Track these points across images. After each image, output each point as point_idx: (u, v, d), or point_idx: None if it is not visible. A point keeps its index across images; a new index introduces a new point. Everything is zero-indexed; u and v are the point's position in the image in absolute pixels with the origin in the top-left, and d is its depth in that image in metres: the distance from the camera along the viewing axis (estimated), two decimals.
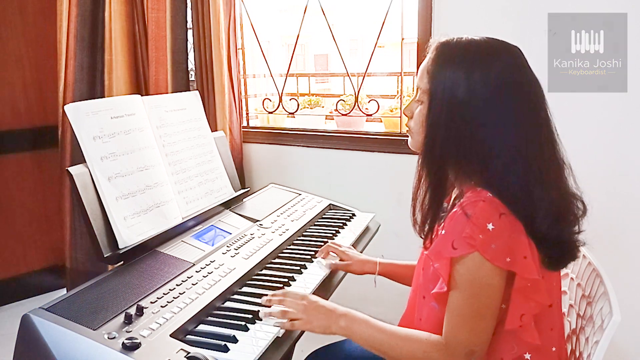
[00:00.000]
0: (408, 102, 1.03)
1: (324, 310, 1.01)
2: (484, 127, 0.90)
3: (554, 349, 0.97)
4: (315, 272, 1.28)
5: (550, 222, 0.89)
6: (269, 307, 1.05)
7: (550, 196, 0.90)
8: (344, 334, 0.99)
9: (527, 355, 0.93)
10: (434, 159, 0.96)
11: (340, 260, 1.35)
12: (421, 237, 1.03)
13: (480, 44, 0.94)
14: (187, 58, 2.49)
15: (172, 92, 2.41)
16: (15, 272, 2.73)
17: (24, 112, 2.65)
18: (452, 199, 1.00)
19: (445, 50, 0.95)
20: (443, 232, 0.93)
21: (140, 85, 2.56)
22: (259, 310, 1.04)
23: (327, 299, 1.22)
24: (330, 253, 1.36)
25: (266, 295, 1.08)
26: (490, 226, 0.86)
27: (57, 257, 2.84)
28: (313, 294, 1.18)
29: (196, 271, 1.19)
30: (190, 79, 2.54)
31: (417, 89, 1.00)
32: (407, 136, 1.04)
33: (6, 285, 2.69)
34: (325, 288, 1.25)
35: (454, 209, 0.92)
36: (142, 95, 1.46)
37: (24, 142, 2.68)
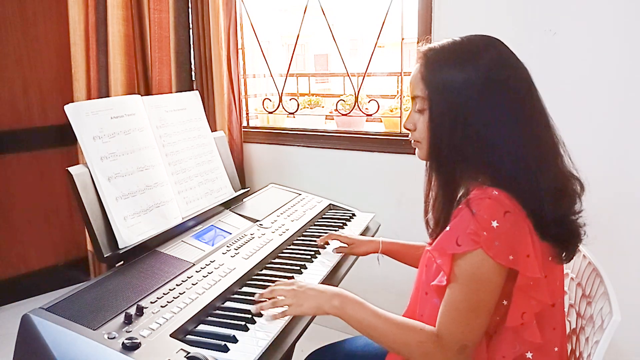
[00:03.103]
0: (407, 116, 1.03)
1: (313, 292, 1.01)
2: (485, 123, 0.90)
3: (556, 348, 0.97)
4: (315, 272, 1.28)
5: (554, 203, 0.90)
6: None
7: (552, 179, 0.92)
8: (336, 313, 0.98)
9: (529, 354, 0.93)
10: (443, 162, 0.96)
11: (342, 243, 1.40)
12: (432, 238, 1.04)
13: (464, 41, 0.96)
14: (190, 58, 2.49)
15: (175, 92, 2.42)
16: (16, 272, 2.73)
17: (24, 112, 2.65)
18: (458, 196, 1.00)
19: (433, 54, 0.96)
20: (448, 228, 0.93)
21: (136, 89, 2.57)
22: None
23: None
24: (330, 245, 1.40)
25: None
26: (494, 223, 0.86)
27: (58, 257, 2.85)
28: None
29: (196, 271, 1.19)
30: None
31: (414, 99, 0.99)
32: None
33: (6, 285, 2.69)
34: None
35: (459, 206, 0.93)
36: (143, 96, 1.46)
37: (24, 141, 2.68)
